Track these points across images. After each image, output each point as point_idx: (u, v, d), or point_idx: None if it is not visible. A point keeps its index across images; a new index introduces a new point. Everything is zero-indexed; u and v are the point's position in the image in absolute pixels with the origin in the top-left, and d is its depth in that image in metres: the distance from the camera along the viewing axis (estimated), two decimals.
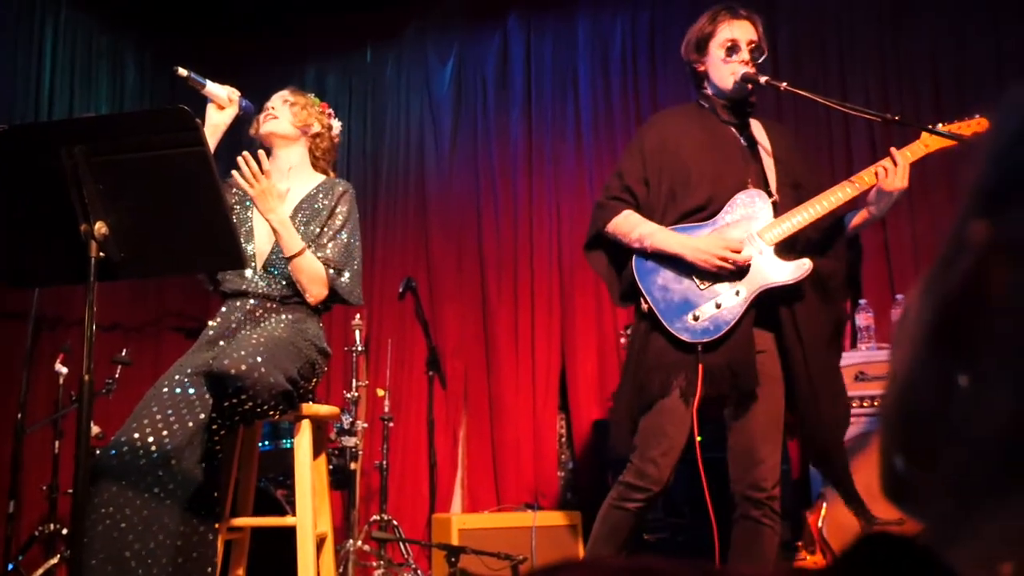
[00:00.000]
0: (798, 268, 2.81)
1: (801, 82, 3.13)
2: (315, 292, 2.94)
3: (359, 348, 4.93)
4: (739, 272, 2.80)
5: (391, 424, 5.05)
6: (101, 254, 2.08)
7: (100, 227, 2.07)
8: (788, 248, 2.88)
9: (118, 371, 4.67)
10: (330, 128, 3.23)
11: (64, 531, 4.43)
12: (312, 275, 2.91)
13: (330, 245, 2.98)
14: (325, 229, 3.00)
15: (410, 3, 6.25)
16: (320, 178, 3.16)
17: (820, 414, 2.79)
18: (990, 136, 0.49)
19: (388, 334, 5.73)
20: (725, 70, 2.94)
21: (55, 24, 5.45)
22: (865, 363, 3.95)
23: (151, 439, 2.56)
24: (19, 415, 4.34)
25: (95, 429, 4.11)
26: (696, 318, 2.79)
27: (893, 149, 2.85)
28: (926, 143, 2.91)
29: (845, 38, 5.20)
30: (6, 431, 4.52)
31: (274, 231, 2.86)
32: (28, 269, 2.29)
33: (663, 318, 2.82)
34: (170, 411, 2.63)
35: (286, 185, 3.06)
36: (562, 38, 5.94)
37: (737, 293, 2.79)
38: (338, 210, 3.05)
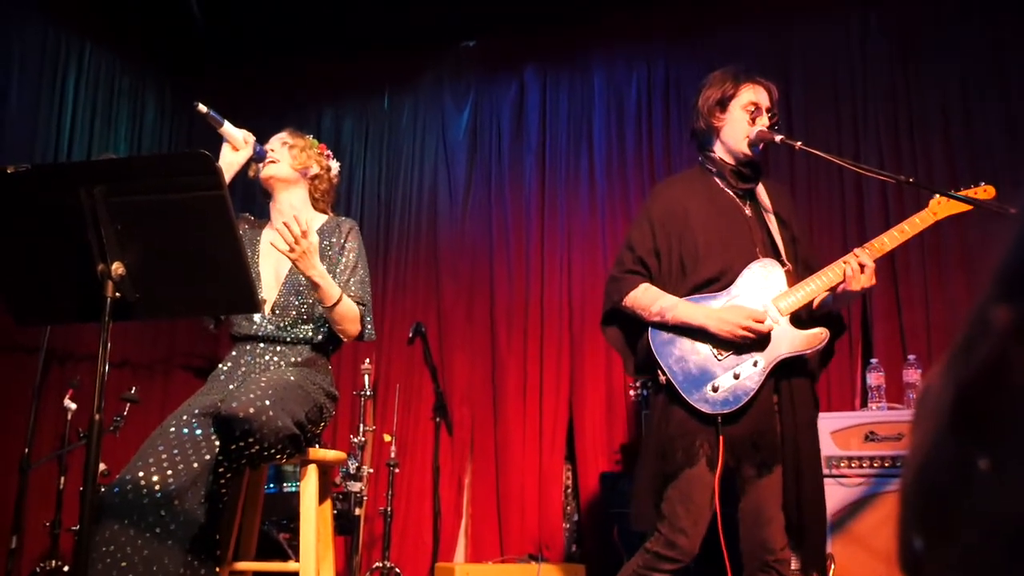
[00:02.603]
0: (815, 337, 2.81)
1: (815, 143, 3.14)
2: (352, 331, 2.97)
3: (367, 393, 4.93)
4: (757, 342, 2.79)
5: (396, 470, 5.03)
6: (117, 294, 2.09)
7: (117, 267, 2.09)
8: (792, 317, 2.87)
9: (126, 408, 4.66)
10: (329, 169, 3.25)
11: (66, 568, 4.40)
12: (351, 316, 2.94)
13: (352, 282, 3.01)
14: (340, 268, 3.02)
15: (428, 50, 6.33)
16: (323, 218, 3.18)
17: (802, 490, 2.77)
18: (1014, 221, 0.49)
19: (396, 379, 5.72)
20: (743, 133, 2.96)
21: (79, 63, 5.53)
22: (876, 423, 3.92)
23: (155, 478, 2.55)
24: (25, 450, 4.33)
25: (101, 466, 4.10)
26: (715, 389, 2.77)
27: (858, 250, 2.84)
28: (935, 212, 2.92)
29: (859, 100, 5.25)
30: (11, 465, 4.50)
31: (315, 285, 2.83)
32: (43, 307, 2.30)
33: (681, 390, 2.79)
34: (176, 451, 2.62)
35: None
36: (578, 89, 6.00)
37: (755, 363, 2.79)
38: (348, 246, 3.06)
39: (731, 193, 3.00)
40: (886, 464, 3.84)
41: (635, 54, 5.89)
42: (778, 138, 2.95)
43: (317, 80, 6.51)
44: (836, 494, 3.86)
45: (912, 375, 4.23)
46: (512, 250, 5.84)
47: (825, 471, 3.86)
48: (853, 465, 3.87)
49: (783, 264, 2.89)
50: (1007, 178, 4.58)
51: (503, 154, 6.05)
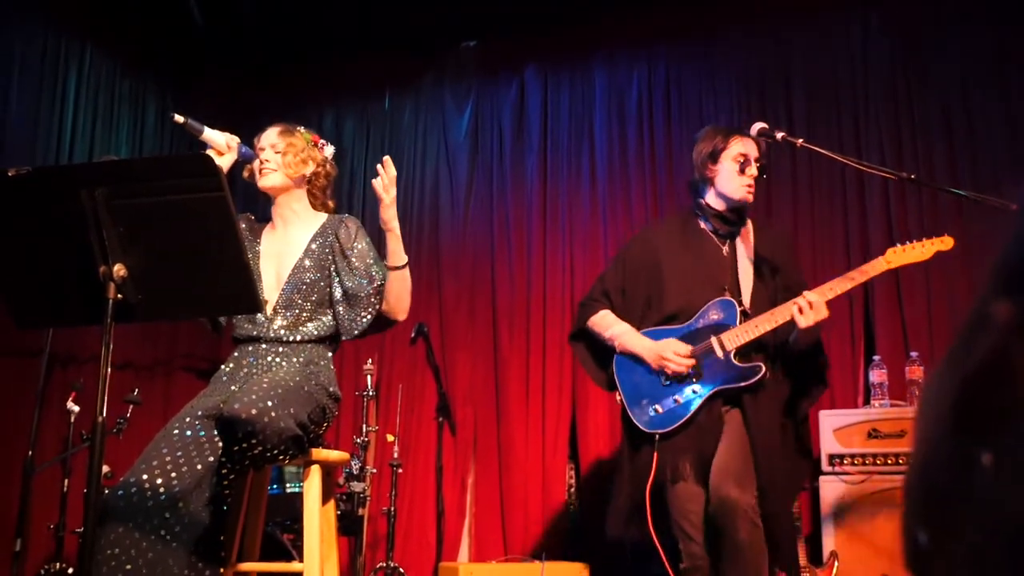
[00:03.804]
0: (752, 372, 3.06)
1: (816, 143, 3.21)
2: (406, 306, 3.02)
3: (370, 393, 4.92)
4: (697, 373, 3.11)
5: (400, 470, 5.03)
6: (119, 296, 2.09)
7: (119, 269, 2.09)
8: (756, 347, 3.13)
9: (129, 411, 4.66)
10: (324, 163, 3.16)
11: (70, 571, 4.40)
12: (409, 287, 2.99)
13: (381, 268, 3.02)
14: (358, 254, 3.01)
15: (429, 51, 6.33)
16: (323, 217, 3.15)
17: (770, 507, 3.01)
18: (1015, 216, 0.49)
19: (399, 379, 5.73)
20: (736, 182, 3.22)
21: (79, 66, 5.52)
22: (878, 420, 3.92)
23: (159, 481, 2.55)
24: (29, 452, 4.33)
25: (104, 468, 4.11)
26: (656, 411, 3.13)
27: (807, 292, 3.05)
28: (888, 260, 3.11)
29: (860, 100, 5.24)
30: (15, 468, 4.51)
31: (393, 238, 2.95)
32: (45, 310, 2.31)
33: (628, 408, 3.19)
34: (179, 453, 2.62)
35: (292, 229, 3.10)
36: (579, 89, 6.00)
37: (694, 391, 3.10)
38: (360, 244, 3.04)
39: (712, 235, 3.30)
40: (889, 461, 3.84)
41: (636, 54, 5.88)
42: (779, 135, 3.07)
43: (317, 81, 6.51)
44: (839, 491, 3.87)
45: (914, 372, 4.23)
46: (514, 250, 5.84)
47: (828, 468, 3.90)
48: (856, 462, 3.87)
49: (740, 304, 3.16)
50: (1008, 177, 4.58)
51: (504, 154, 6.05)
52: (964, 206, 4.67)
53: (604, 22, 5.94)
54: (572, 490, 5.41)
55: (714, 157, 3.24)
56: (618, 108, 5.84)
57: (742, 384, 3.06)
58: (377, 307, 2.98)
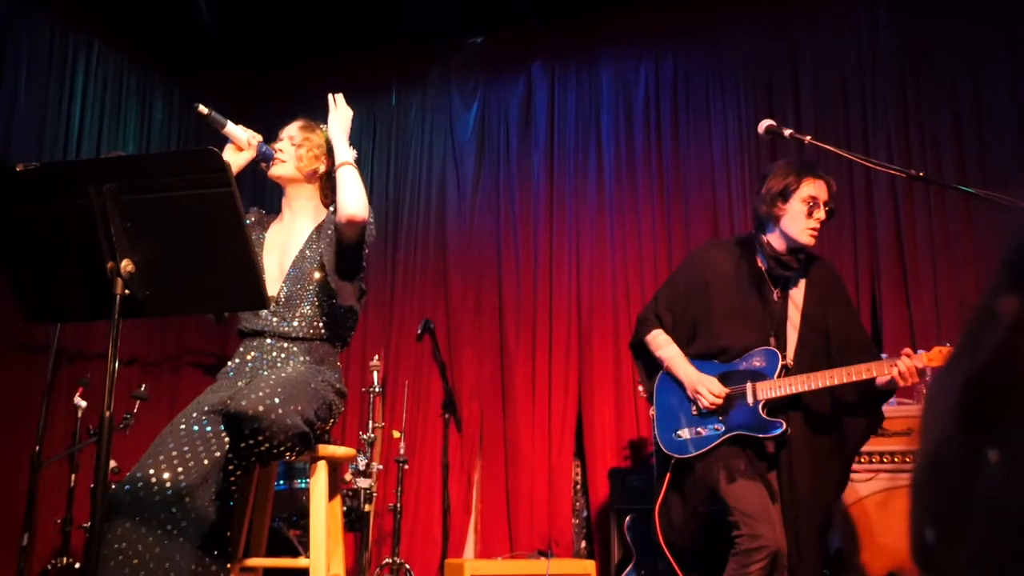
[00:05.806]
0: (772, 427, 3.11)
1: (824, 141, 3.20)
2: (353, 200, 2.87)
3: (376, 389, 4.93)
4: (723, 411, 3.18)
5: (406, 466, 5.03)
6: (126, 291, 2.09)
7: (126, 264, 2.09)
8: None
9: (136, 406, 4.67)
10: None
11: (77, 565, 4.41)
12: (356, 184, 2.90)
13: None
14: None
15: (435, 48, 6.33)
16: (329, 211, 3.15)
17: (800, 532, 3.08)
18: (1022, 214, 0.49)
19: (405, 376, 5.73)
20: (802, 224, 3.19)
21: (87, 62, 5.54)
22: (885, 418, 3.90)
23: (166, 476, 2.55)
24: (36, 447, 4.35)
25: (111, 463, 4.11)
26: (678, 436, 3.24)
27: (913, 359, 3.05)
28: (931, 359, 3.06)
29: (868, 98, 5.23)
30: (23, 463, 4.52)
31: (336, 142, 3.01)
32: (53, 305, 2.31)
33: (656, 425, 3.31)
34: (186, 448, 2.62)
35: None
36: (586, 86, 6.00)
37: (715, 429, 3.19)
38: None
39: (767, 276, 3.29)
40: (895, 459, 3.84)
41: (643, 51, 5.88)
42: (787, 132, 3.05)
43: (324, 78, 6.50)
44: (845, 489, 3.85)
45: None
46: (520, 247, 5.84)
47: None
48: (862, 460, 3.87)
49: (783, 357, 3.18)
50: (1016, 174, 4.57)
51: (511, 151, 6.05)
52: (972, 203, 4.66)
53: (610, 18, 5.93)
54: (578, 487, 5.42)
55: (785, 196, 3.20)
56: (625, 104, 5.84)
57: (760, 436, 3.11)
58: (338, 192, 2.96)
